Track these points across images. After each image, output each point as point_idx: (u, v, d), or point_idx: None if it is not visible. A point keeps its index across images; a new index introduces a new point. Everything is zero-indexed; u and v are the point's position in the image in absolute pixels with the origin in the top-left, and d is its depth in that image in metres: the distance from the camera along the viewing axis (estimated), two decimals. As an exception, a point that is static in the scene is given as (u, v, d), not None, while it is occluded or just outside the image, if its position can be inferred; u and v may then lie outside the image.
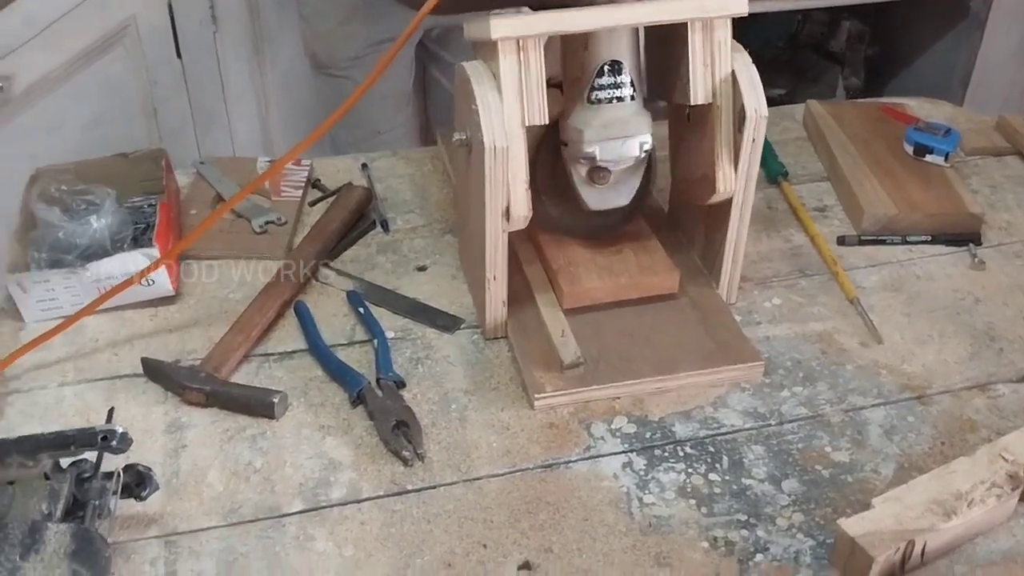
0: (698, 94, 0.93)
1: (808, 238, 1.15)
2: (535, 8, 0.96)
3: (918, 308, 1.05)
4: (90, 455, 0.76)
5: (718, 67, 0.92)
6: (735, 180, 0.94)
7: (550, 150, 0.98)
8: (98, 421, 0.90)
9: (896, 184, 1.18)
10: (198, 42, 2.04)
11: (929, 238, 1.14)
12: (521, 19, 0.87)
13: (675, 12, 0.90)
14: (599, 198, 0.96)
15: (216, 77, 2.08)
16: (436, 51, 1.73)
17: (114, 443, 0.73)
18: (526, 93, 0.88)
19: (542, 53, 0.88)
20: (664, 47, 0.96)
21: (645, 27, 0.94)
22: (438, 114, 1.87)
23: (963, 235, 1.14)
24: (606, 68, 0.92)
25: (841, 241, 1.14)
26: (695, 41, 0.91)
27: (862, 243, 1.14)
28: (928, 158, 1.22)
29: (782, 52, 2.74)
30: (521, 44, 0.87)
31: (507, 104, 0.88)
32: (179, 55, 2.04)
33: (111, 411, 0.81)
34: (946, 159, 1.21)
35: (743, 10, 0.92)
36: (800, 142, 1.33)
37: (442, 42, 1.71)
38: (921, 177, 1.19)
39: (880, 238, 1.14)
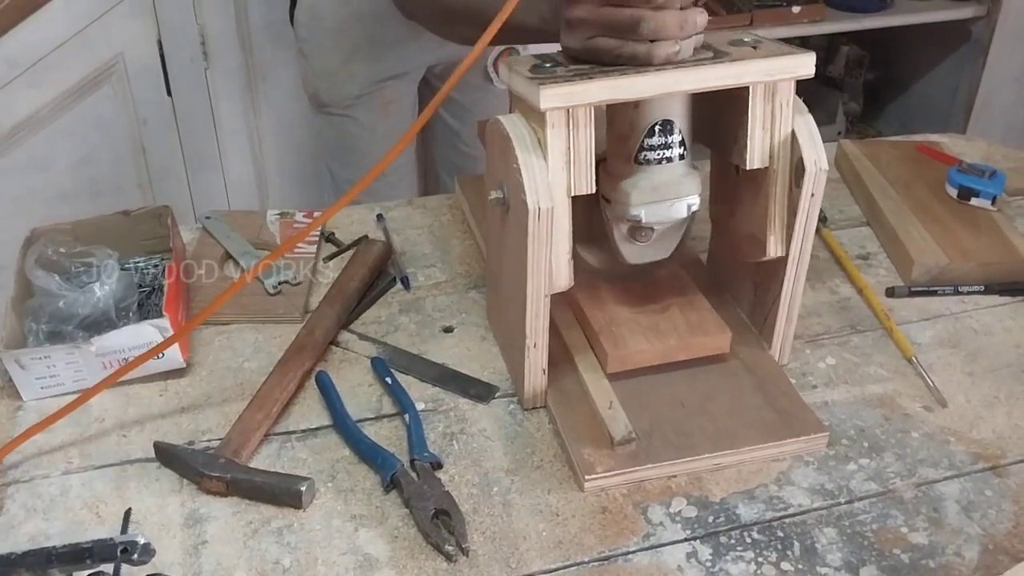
0: (755, 159, 0.86)
1: (855, 289, 1.09)
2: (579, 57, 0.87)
3: (980, 366, 0.99)
4: (106, 566, 0.68)
5: (778, 129, 0.86)
6: (784, 246, 0.88)
7: (586, 197, 0.92)
8: (109, 515, 0.82)
9: (944, 231, 1.12)
10: (189, 79, 1.97)
11: (982, 288, 1.08)
12: (572, 88, 0.78)
13: (738, 77, 0.82)
14: (638, 254, 0.90)
15: (208, 115, 2.01)
16: (440, 87, 1.66)
17: (135, 556, 0.65)
18: (574, 164, 0.81)
19: (592, 119, 0.81)
20: (717, 103, 0.89)
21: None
22: (441, 150, 1.81)
23: (1018, 284, 1.08)
24: (657, 128, 0.85)
25: (890, 292, 1.08)
26: (755, 105, 0.84)
27: (912, 294, 1.08)
28: (974, 201, 1.16)
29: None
30: (571, 112, 0.80)
31: (553, 173, 0.81)
32: (169, 93, 1.97)
33: (128, 514, 0.73)
34: (993, 203, 1.16)
35: (809, 72, 0.84)
36: (834, 184, 1.28)
37: (446, 78, 1.64)
38: (969, 223, 1.14)
39: (931, 289, 1.08)
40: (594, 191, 0.83)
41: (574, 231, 0.85)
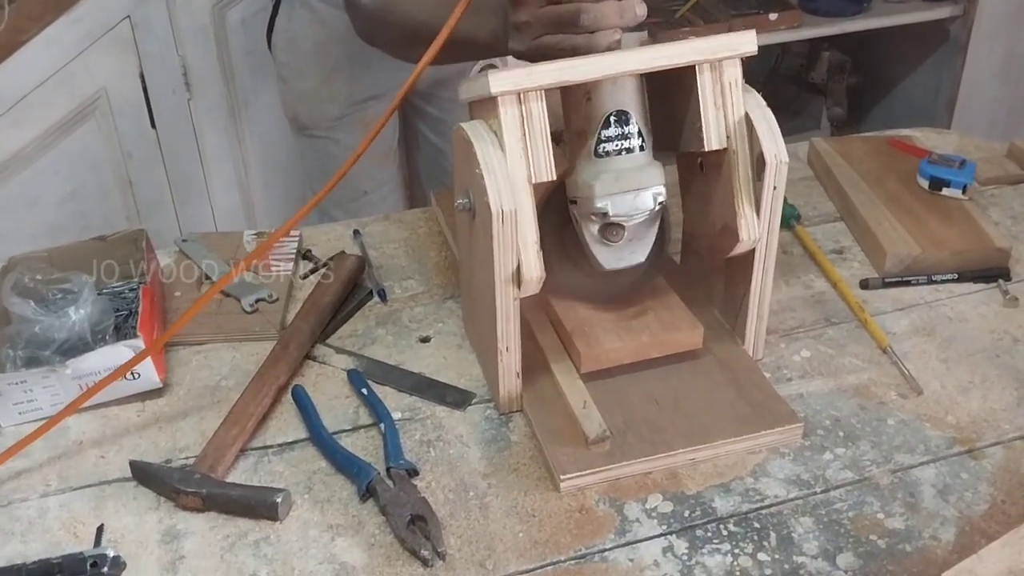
0: (712, 139, 0.87)
1: (829, 283, 1.09)
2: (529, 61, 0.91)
3: (955, 353, 0.99)
4: (78, 581, 0.68)
5: (731, 110, 0.87)
6: (758, 227, 0.88)
7: (557, 211, 0.92)
8: (87, 535, 0.82)
9: (916, 221, 1.12)
10: (172, 111, 1.98)
11: (956, 276, 1.08)
12: (521, 72, 0.82)
13: (682, 55, 0.85)
14: (613, 257, 0.89)
15: (193, 146, 2.03)
16: (422, 106, 1.67)
17: (105, 569, 0.66)
18: (531, 149, 0.83)
19: (544, 106, 0.83)
20: (668, 96, 0.90)
21: (648, 77, 0.89)
22: (426, 168, 1.81)
23: (991, 271, 1.08)
24: (612, 118, 0.86)
25: (864, 285, 1.08)
26: (704, 84, 0.86)
27: (886, 285, 1.08)
28: (945, 192, 1.17)
29: (763, 86, 2.72)
30: (522, 97, 0.82)
31: (511, 161, 0.82)
32: (153, 125, 1.98)
33: (100, 529, 0.74)
34: (964, 191, 1.16)
35: (752, 49, 0.87)
36: (808, 182, 1.28)
37: (428, 97, 1.66)
38: (941, 212, 1.14)
39: (905, 279, 1.08)
40: (554, 177, 0.83)
41: (548, 249, 0.86)
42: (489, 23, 0.96)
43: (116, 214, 2.03)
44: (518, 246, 0.83)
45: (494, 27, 0.97)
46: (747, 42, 0.86)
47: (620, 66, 0.84)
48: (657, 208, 0.86)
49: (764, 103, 0.89)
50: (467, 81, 0.90)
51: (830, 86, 2.79)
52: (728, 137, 0.87)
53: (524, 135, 0.83)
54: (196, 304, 0.87)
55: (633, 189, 0.85)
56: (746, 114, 0.87)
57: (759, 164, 0.87)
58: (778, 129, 0.87)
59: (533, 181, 0.83)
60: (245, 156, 2.09)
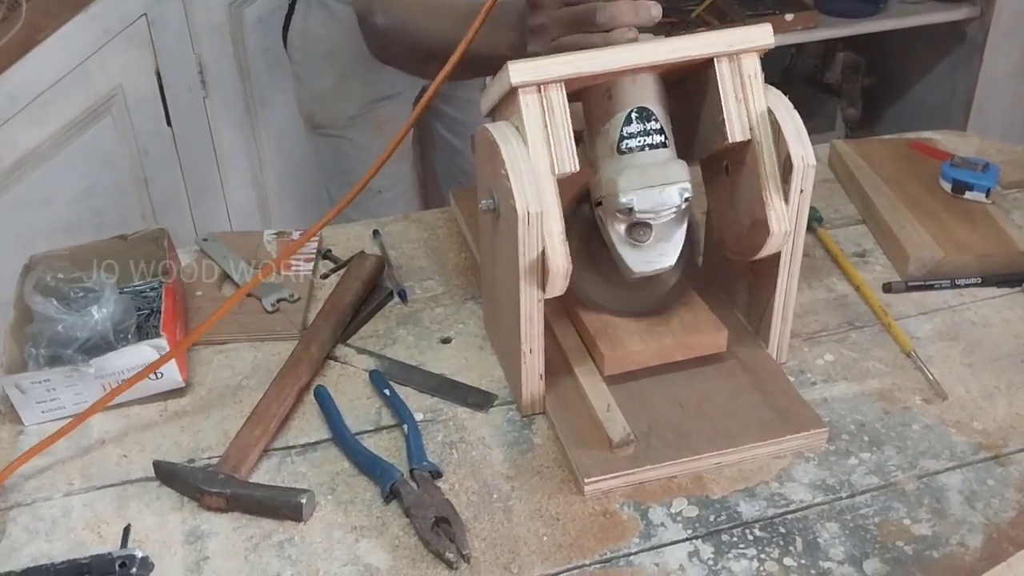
0: (735, 131, 0.87)
1: (852, 287, 1.09)
2: None
3: (979, 358, 0.98)
4: (106, 582, 0.68)
5: (752, 102, 0.87)
6: (787, 218, 0.88)
7: (584, 224, 0.92)
8: (110, 534, 0.82)
9: (939, 225, 1.12)
10: (188, 108, 1.98)
11: (979, 280, 1.07)
12: (540, 63, 0.82)
13: (699, 47, 0.85)
14: (642, 260, 0.88)
15: (208, 144, 2.03)
16: (439, 106, 1.67)
17: (134, 570, 0.66)
18: (553, 140, 0.83)
19: (565, 97, 0.83)
20: (687, 102, 0.91)
21: (667, 87, 0.89)
22: (444, 168, 1.81)
23: (1015, 275, 1.08)
24: (633, 115, 0.86)
25: (887, 288, 1.08)
26: (723, 76, 0.86)
27: (909, 289, 1.08)
28: (968, 195, 1.16)
29: (777, 86, 2.71)
30: (543, 89, 0.82)
31: (534, 153, 0.82)
32: (169, 123, 1.98)
33: (127, 530, 0.74)
34: (987, 195, 1.15)
35: (769, 41, 0.87)
36: (829, 184, 1.28)
37: (445, 97, 1.65)
38: (964, 216, 1.14)
39: (928, 283, 1.07)
40: (577, 169, 0.83)
41: (577, 266, 0.85)
42: (507, 37, 0.97)
43: (131, 212, 2.03)
44: (543, 239, 0.82)
45: (512, 41, 0.96)
46: (764, 34, 0.87)
47: (638, 58, 0.84)
48: (684, 206, 0.86)
49: (790, 104, 0.89)
50: (487, 90, 0.89)
51: (844, 87, 2.77)
52: (751, 129, 0.87)
53: (546, 126, 0.83)
54: (225, 306, 0.87)
55: (658, 184, 0.85)
56: (770, 111, 0.87)
57: (786, 167, 0.87)
58: (805, 131, 0.87)
59: (556, 172, 0.83)
60: (261, 154, 2.09)
